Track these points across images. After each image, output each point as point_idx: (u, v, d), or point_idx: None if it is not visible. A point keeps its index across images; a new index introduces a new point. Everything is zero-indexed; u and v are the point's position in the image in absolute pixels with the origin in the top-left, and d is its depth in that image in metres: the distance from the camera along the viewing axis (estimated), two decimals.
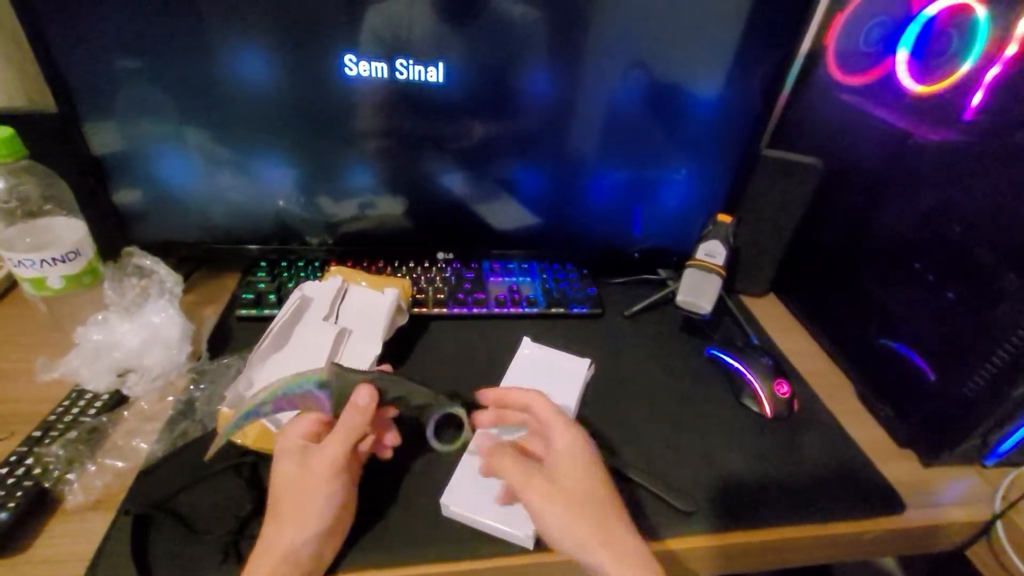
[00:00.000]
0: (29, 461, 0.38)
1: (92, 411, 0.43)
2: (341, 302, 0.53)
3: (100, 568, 0.34)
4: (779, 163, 0.61)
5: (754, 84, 0.56)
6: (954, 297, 0.47)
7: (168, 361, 0.45)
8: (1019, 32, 0.44)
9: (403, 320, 0.54)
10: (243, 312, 0.56)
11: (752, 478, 0.46)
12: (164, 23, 0.46)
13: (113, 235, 0.54)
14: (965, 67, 0.48)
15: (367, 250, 0.63)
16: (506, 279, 0.64)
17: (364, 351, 0.48)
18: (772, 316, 0.67)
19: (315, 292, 0.52)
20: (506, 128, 0.56)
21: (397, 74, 0.50)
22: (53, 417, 0.42)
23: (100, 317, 0.45)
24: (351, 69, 0.49)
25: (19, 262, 0.43)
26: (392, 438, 0.39)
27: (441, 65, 0.50)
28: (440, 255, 0.64)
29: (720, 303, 0.62)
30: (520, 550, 0.38)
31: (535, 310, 0.61)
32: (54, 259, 0.44)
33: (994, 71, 0.46)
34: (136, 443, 0.41)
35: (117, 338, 0.44)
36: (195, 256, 0.62)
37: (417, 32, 0.49)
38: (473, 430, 0.40)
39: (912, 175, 0.53)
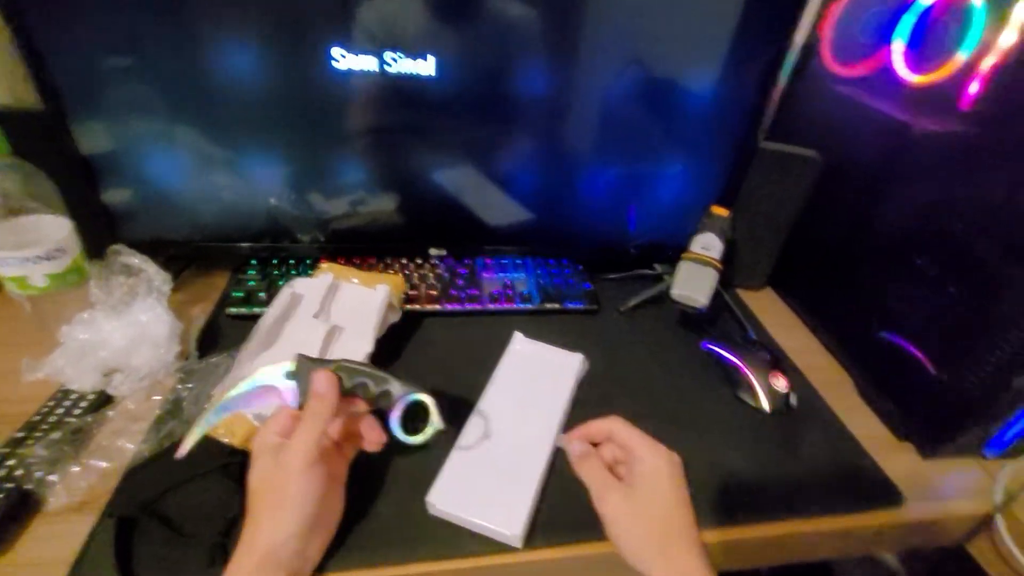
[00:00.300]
0: (11, 462, 0.38)
1: (77, 411, 0.42)
2: (332, 299, 0.52)
3: (82, 572, 0.34)
4: (776, 156, 0.60)
5: (749, 77, 0.55)
6: (955, 292, 0.47)
7: (155, 360, 0.45)
8: (1015, 20, 0.43)
9: (396, 317, 0.53)
10: (233, 310, 0.55)
11: (750, 473, 0.45)
12: (150, 19, 0.45)
13: (102, 233, 0.53)
14: (961, 56, 0.47)
15: (359, 247, 0.62)
16: (500, 275, 0.64)
17: (355, 348, 0.48)
18: (770, 310, 0.67)
19: (305, 289, 0.52)
20: (499, 122, 0.55)
21: (387, 67, 0.49)
22: (37, 418, 0.41)
23: (86, 316, 0.44)
24: (339, 62, 0.48)
25: (2, 260, 0.43)
26: (372, 432, 0.37)
27: (432, 58, 0.49)
28: (433, 251, 0.64)
29: (717, 297, 0.61)
30: (508, 548, 0.38)
31: (530, 306, 0.60)
32: (38, 257, 0.43)
33: (990, 60, 0.45)
34: (121, 443, 0.40)
35: (103, 337, 0.43)
36: (185, 254, 0.62)
37: (411, 26, 0.48)
38: (446, 422, 0.37)
39: (910, 167, 0.52)
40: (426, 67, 0.49)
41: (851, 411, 0.53)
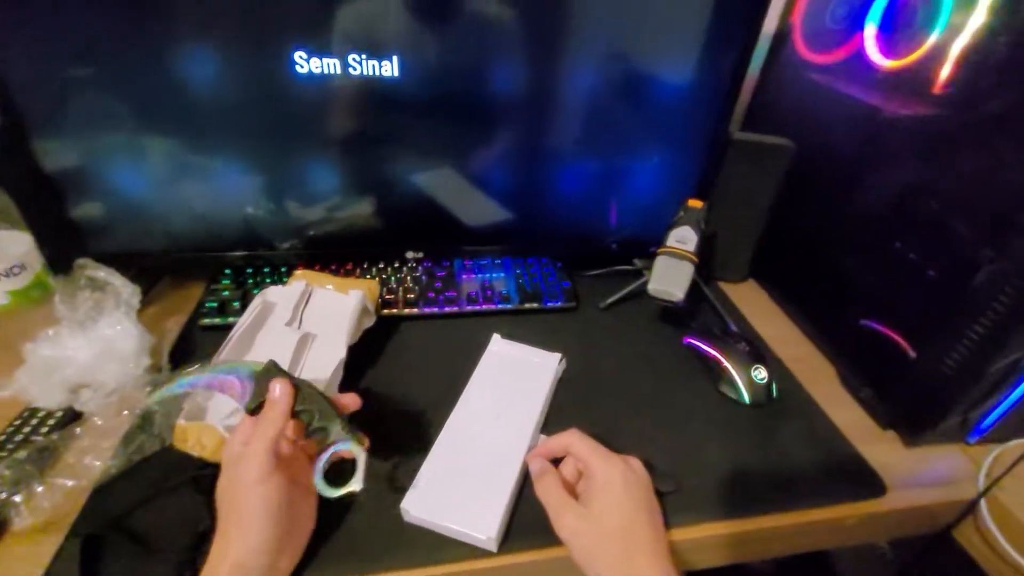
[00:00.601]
0: None
1: (45, 429, 0.42)
2: (305, 306, 0.51)
3: None
4: (750, 146, 0.60)
5: (719, 66, 0.55)
6: (935, 275, 0.46)
7: (123, 375, 0.44)
8: (983, 1, 0.43)
9: (370, 322, 0.53)
10: (207, 321, 0.54)
11: (731, 467, 0.45)
12: (109, 31, 0.44)
13: (69, 248, 0.52)
14: (932, 39, 0.47)
15: (336, 252, 0.62)
16: (479, 276, 0.63)
17: (328, 355, 0.47)
18: (751, 301, 0.66)
19: (277, 297, 0.51)
20: (469, 122, 0.55)
21: (351, 70, 0.48)
22: (2, 437, 0.41)
23: (51, 332, 0.43)
24: (302, 67, 0.47)
25: None
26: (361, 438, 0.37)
27: (395, 59, 0.48)
28: (409, 254, 0.63)
29: (696, 290, 0.61)
30: (484, 553, 0.37)
31: (509, 306, 0.59)
32: None
33: (961, 41, 0.45)
34: (89, 460, 0.40)
35: (69, 353, 0.43)
36: (158, 266, 0.61)
37: (375, 27, 0.47)
38: (367, 483, 0.35)
39: (886, 152, 0.52)
40: (390, 68, 0.49)
41: (834, 401, 0.52)
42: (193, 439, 0.40)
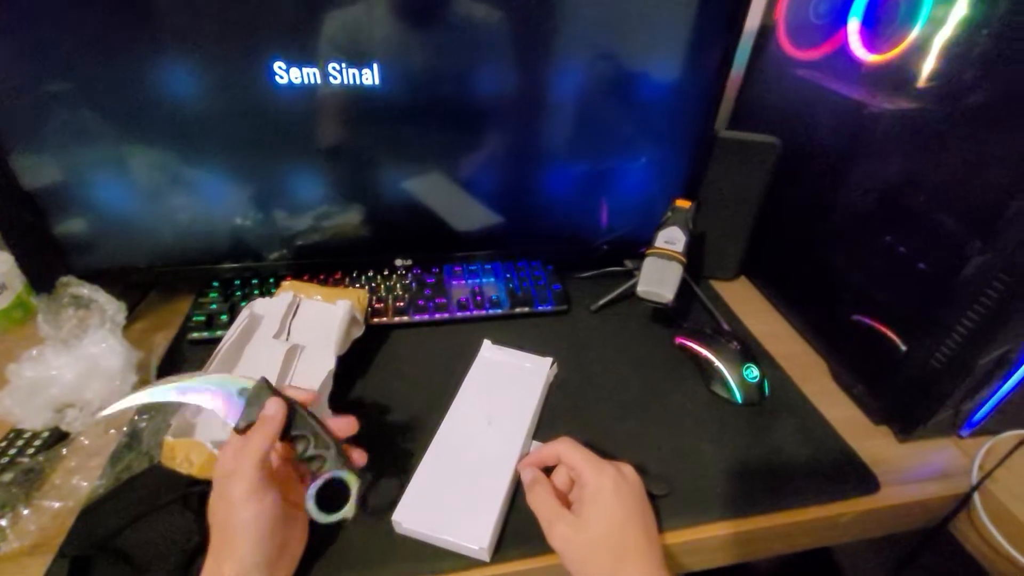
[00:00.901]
0: None
1: (31, 451, 0.41)
2: (293, 318, 0.51)
3: None
4: (736, 144, 0.59)
5: (703, 64, 0.55)
6: (926, 268, 0.46)
7: (110, 393, 0.44)
8: None
9: (359, 332, 0.52)
10: (195, 335, 0.54)
11: (724, 468, 0.44)
12: (87, 43, 0.44)
13: (53, 266, 0.52)
14: (915, 33, 0.47)
15: (324, 262, 0.61)
16: (469, 281, 0.63)
17: (317, 367, 0.47)
18: (743, 299, 0.66)
19: (265, 309, 0.51)
20: (454, 127, 0.54)
21: (331, 79, 0.48)
22: None
23: (34, 352, 0.43)
24: (282, 77, 0.47)
25: None
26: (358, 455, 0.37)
27: (376, 66, 0.48)
28: (398, 261, 0.63)
29: (687, 289, 0.61)
30: (478, 563, 0.37)
31: (499, 311, 0.59)
32: None
33: (943, 34, 0.45)
34: (76, 481, 0.39)
35: (53, 373, 0.42)
36: (145, 281, 0.61)
37: (354, 34, 0.47)
38: (364, 506, 0.36)
39: (872, 146, 0.52)
40: (371, 76, 0.48)
41: (827, 397, 0.52)
42: (181, 456, 0.40)
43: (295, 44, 0.46)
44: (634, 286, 0.56)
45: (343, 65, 0.47)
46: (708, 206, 0.63)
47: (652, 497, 0.40)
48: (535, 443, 0.44)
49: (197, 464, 0.40)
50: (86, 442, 0.42)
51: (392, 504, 0.38)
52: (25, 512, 0.37)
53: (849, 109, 0.53)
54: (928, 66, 0.46)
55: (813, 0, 0.57)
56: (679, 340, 0.56)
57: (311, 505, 0.33)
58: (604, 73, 0.53)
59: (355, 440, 0.38)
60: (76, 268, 0.53)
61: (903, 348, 0.48)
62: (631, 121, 0.57)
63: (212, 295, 0.58)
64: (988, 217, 0.41)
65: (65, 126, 0.47)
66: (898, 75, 0.48)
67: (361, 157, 0.54)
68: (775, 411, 0.50)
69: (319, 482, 0.34)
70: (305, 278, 0.60)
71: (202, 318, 0.55)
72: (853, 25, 0.53)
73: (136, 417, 0.44)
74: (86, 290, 0.46)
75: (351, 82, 0.48)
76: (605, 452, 0.43)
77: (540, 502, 0.37)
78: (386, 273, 0.62)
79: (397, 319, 0.57)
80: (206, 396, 0.35)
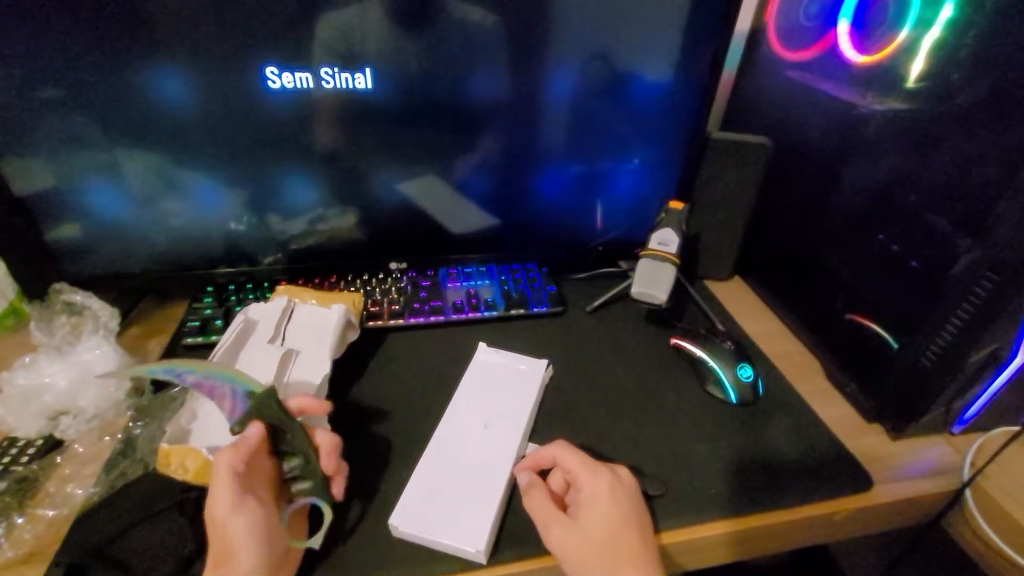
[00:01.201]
0: None
1: (25, 459, 0.41)
2: (288, 322, 0.51)
3: None
4: (728, 145, 0.60)
5: (695, 67, 0.55)
6: (918, 266, 0.47)
7: (104, 400, 0.43)
8: None
9: (354, 336, 0.52)
10: (189, 341, 0.54)
11: (719, 467, 0.45)
12: (79, 49, 0.44)
13: (45, 273, 0.51)
14: (904, 34, 0.47)
15: (319, 266, 0.61)
16: (464, 284, 0.63)
17: (313, 371, 0.47)
18: (737, 299, 0.66)
19: (259, 314, 0.51)
20: (447, 130, 0.54)
21: (323, 83, 0.48)
22: None
23: (27, 360, 0.43)
24: (274, 82, 0.47)
25: None
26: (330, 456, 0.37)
27: (369, 70, 0.48)
28: (393, 265, 0.63)
29: (681, 290, 0.61)
30: (474, 566, 0.37)
31: (494, 313, 0.59)
32: None
33: (932, 35, 0.45)
34: (71, 489, 0.39)
35: (46, 380, 0.42)
36: (139, 287, 0.60)
37: (348, 39, 0.47)
38: (328, 530, 0.36)
39: (864, 146, 0.52)
40: (364, 80, 0.48)
41: (820, 396, 0.53)
42: (176, 462, 0.40)
43: (288, 48, 0.46)
44: (629, 287, 0.56)
45: (336, 69, 0.47)
46: (701, 207, 0.63)
47: (648, 498, 0.41)
48: (531, 445, 0.45)
49: (192, 470, 0.40)
50: (80, 450, 0.42)
51: (388, 508, 0.38)
52: (19, 521, 0.37)
53: (840, 109, 0.54)
54: (917, 67, 0.46)
55: (803, 2, 0.57)
56: (674, 341, 0.56)
57: (283, 523, 0.34)
58: (597, 75, 0.54)
59: (350, 442, 0.38)
60: (69, 274, 0.53)
61: (895, 346, 0.48)
62: (624, 123, 0.58)
63: (206, 300, 0.58)
64: (977, 215, 0.41)
65: (56, 131, 0.47)
66: (887, 76, 0.49)
67: (355, 160, 0.54)
68: (769, 410, 0.51)
69: (296, 505, 0.35)
70: (300, 282, 0.60)
71: (196, 323, 0.55)
72: (843, 26, 0.53)
73: (130, 424, 0.44)
74: (79, 296, 0.46)
75: (344, 86, 0.48)
76: (601, 453, 0.44)
77: (536, 505, 0.37)
78: (381, 276, 0.62)
79: (392, 322, 0.57)
80: (222, 389, 0.36)
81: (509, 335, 0.56)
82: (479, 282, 0.63)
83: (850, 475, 0.45)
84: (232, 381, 0.36)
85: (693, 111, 0.58)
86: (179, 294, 0.62)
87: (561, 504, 0.38)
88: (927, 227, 0.46)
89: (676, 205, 0.57)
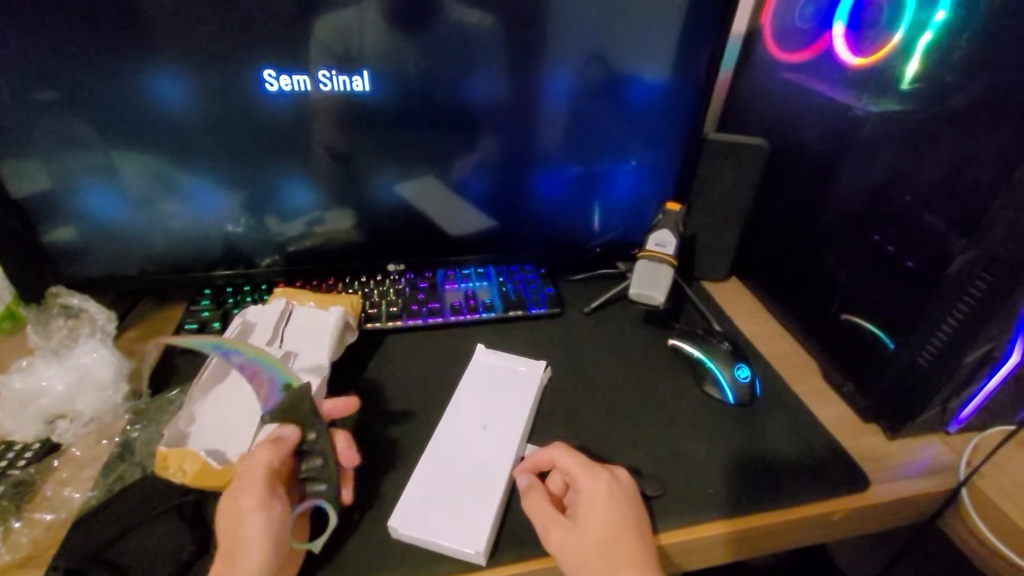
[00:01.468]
0: None
1: (22, 463, 0.41)
2: (286, 325, 0.51)
3: None
4: (725, 147, 0.60)
5: (691, 68, 0.55)
6: (914, 266, 0.47)
7: (101, 403, 0.43)
8: None
9: (352, 338, 0.52)
10: None
11: (717, 468, 0.45)
12: (76, 50, 0.44)
13: (42, 276, 0.51)
14: (898, 36, 0.48)
15: (317, 268, 0.61)
16: (462, 286, 0.63)
17: (311, 373, 0.46)
18: (734, 300, 0.67)
19: (257, 317, 0.51)
20: (445, 132, 0.54)
21: (321, 86, 0.48)
22: None
23: (24, 364, 0.43)
24: (272, 85, 0.47)
25: None
26: (348, 451, 0.37)
27: (366, 73, 0.48)
28: (391, 266, 0.63)
29: (679, 291, 0.61)
30: (474, 567, 0.37)
31: (493, 315, 0.59)
32: None
33: (926, 38, 0.45)
34: (68, 493, 0.39)
35: (43, 384, 0.42)
36: (137, 289, 0.60)
37: (355, 41, 0.47)
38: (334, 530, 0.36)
39: (859, 148, 0.52)
40: (361, 83, 0.48)
41: (818, 396, 0.53)
42: (175, 465, 0.39)
43: (285, 51, 0.46)
44: (626, 288, 0.56)
45: (333, 72, 0.47)
46: (698, 208, 0.64)
47: (646, 498, 0.41)
48: (530, 446, 0.45)
49: (191, 473, 0.39)
50: (78, 453, 0.41)
51: (388, 510, 0.38)
52: (16, 525, 0.36)
53: (835, 111, 0.54)
54: (911, 69, 0.46)
55: (799, 4, 0.57)
56: (671, 341, 0.56)
57: (290, 523, 0.34)
58: (594, 77, 0.54)
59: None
60: (65, 277, 0.53)
61: (891, 346, 0.48)
62: (621, 125, 0.58)
63: (204, 303, 0.58)
64: (972, 216, 0.41)
65: (53, 134, 0.47)
66: (882, 78, 0.49)
67: (353, 163, 0.54)
68: (767, 411, 0.51)
69: (305, 506, 0.35)
70: (298, 284, 0.60)
71: (194, 326, 0.55)
72: (838, 29, 0.53)
73: (128, 427, 0.44)
74: (76, 300, 0.46)
75: (342, 89, 0.48)
76: (599, 454, 0.44)
77: (536, 508, 0.37)
78: (379, 278, 0.62)
79: (391, 324, 0.57)
80: (261, 376, 0.37)
81: (507, 336, 0.57)
82: (477, 283, 0.63)
83: (847, 475, 0.45)
84: (273, 370, 0.37)
85: (690, 112, 0.58)
86: (176, 296, 0.62)
87: (560, 506, 0.38)
88: (922, 228, 0.46)
89: (673, 206, 0.57)
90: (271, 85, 0.47)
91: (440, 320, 0.58)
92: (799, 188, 0.60)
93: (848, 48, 0.53)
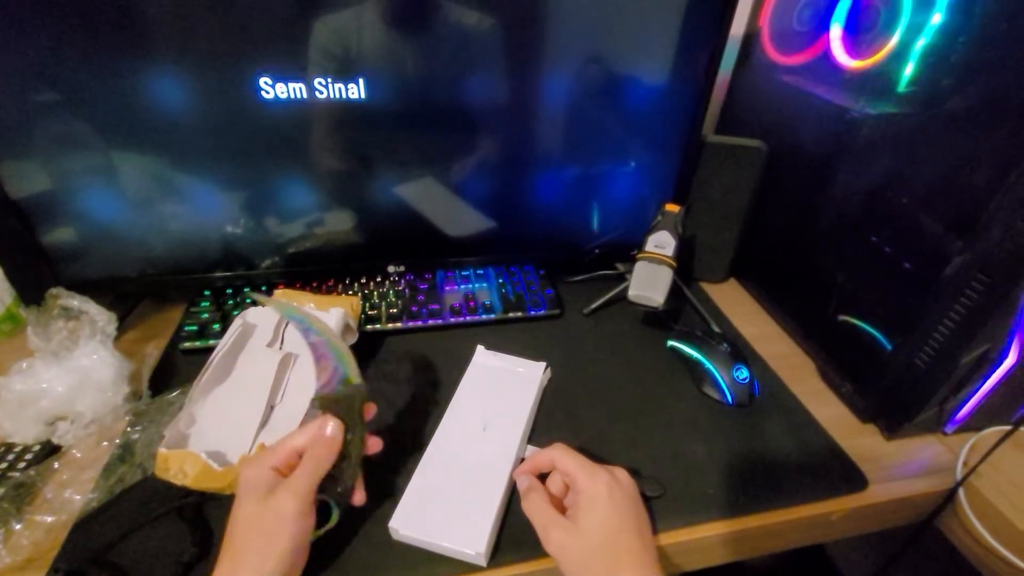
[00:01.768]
0: None
1: (22, 464, 0.41)
2: (286, 326, 0.51)
3: None
4: (723, 148, 0.60)
5: (689, 71, 0.55)
6: (911, 267, 0.47)
7: (102, 405, 0.43)
8: (942, 1, 0.44)
9: (352, 339, 0.52)
10: (187, 345, 0.54)
11: (716, 468, 0.45)
12: (76, 53, 0.44)
13: (42, 277, 0.51)
14: (895, 39, 0.48)
15: (317, 270, 0.61)
16: (462, 287, 0.63)
17: (310, 375, 0.46)
18: (733, 301, 0.67)
19: (258, 318, 0.51)
20: (443, 136, 0.55)
21: (317, 94, 0.48)
22: None
23: (24, 365, 0.43)
24: (268, 92, 0.47)
25: None
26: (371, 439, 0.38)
27: (362, 81, 0.48)
28: (391, 268, 0.63)
29: (678, 292, 0.62)
30: (474, 568, 0.37)
31: (492, 316, 0.59)
32: None
33: (922, 41, 0.46)
34: (69, 494, 0.39)
35: (43, 385, 0.42)
36: (136, 290, 0.60)
37: (353, 45, 0.47)
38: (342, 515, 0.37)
39: (856, 150, 0.53)
40: (357, 91, 0.48)
41: (816, 397, 0.53)
42: (175, 467, 0.40)
43: (281, 59, 0.46)
44: (626, 290, 0.56)
45: (329, 80, 0.48)
46: (697, 210, 0.64)
47: (646, 499, 0.41)
48: (530, 447, 0.45)
49: (192, 475, 0.40)
50: (78, 455, 0.41)
51: (388, 511, 0.39)
52: (17, 527, 0.36)
53: (833, 113, 0.54)
54: (908, 72, 0.47)
55: (796, 7, 0.58)
56: (670, 342, 0.57)
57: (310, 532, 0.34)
58: (594, 79, 0.54)
59: None
60: (65, 279, 0.53)
61: (889, 347, 0.49)
62: (620, 126, 0.58)
63: (204, 304, 0.58)
64: (968, 218, 0.42)
65: (52, 136, 0.47)
66: (879, 80, 0.49)
67: (351, 167, 0.54)
68: (765, 411, 0.51)
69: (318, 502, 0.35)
70: (298, 286, 0.60)
71: (194, 328, 0.55)
72: (835, 32, 0.54)
73: (129, 429, 0.44)
74: (76, 301, 0.46)
75: (338, 96, 0.48)
76: (599, 455, 0.44)
77: (536, 509, 0.37)
78: (379, 280, 0.62)
79: (391, 326, 0.57)
80: (327, 362, 0.37)
81: (507, 338, 0.57)
82: (477, 285, 0.64)
83: (845, 475, 0.45)
84: (339, 360, 0.37)
85: (689, 114, 0.58)
86: (176, 298, 0.62)
87: (560, 507, 0.38)
88: (919, 229, 0.46)
89: (672, 208, 0.57)
90: (267, 93, 0.47)
91: (440, 321, 0.58)
92: (797, 190, 0.60)
93: (845, 51, 0.53)
